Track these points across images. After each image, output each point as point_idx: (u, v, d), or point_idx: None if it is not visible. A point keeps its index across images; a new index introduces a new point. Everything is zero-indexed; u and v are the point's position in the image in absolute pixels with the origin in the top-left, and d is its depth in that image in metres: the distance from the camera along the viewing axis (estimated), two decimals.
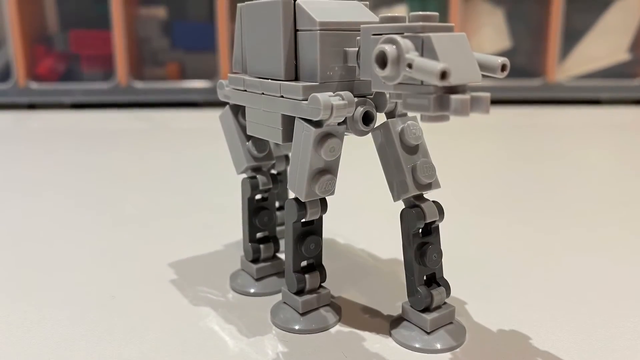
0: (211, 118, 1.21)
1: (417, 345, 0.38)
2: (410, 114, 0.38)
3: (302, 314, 0.40)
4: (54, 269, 0.50)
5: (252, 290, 0.45)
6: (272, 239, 0.47)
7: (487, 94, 0.29)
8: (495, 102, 1.30)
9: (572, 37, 1.36)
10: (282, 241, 0.47)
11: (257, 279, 0.45)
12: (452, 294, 0.41)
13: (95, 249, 0.55)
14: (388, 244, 0.53)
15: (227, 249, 0.54)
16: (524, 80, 1.36)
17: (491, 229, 0.59)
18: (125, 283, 0.47)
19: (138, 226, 0.61)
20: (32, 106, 1.39)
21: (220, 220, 0.62)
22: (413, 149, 0.38)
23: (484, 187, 0.75)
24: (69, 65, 1.42)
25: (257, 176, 0.45)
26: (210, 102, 1.37)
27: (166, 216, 0.64)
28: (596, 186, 0.75)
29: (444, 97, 0.30)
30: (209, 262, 0.51)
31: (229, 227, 0.59)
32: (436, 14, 0.32)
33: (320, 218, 0.40)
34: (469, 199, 0.70)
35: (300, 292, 0.40)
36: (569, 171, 0.82)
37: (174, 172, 0.83)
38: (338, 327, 0.40)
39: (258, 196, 0.46)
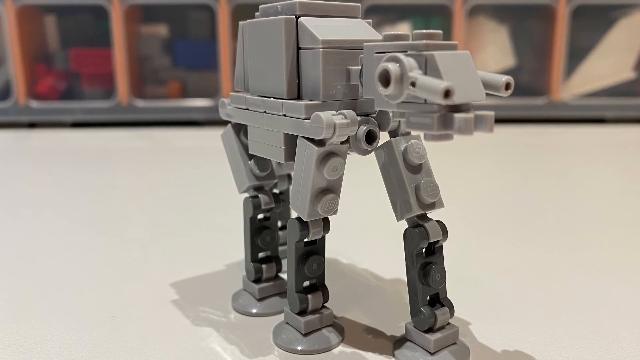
0: (213, 137, 1.22)
1: None
2: (413, 132, 0.38)
3: (305, 335, 0.39)
4: (54, 289, 0.50)
5: (254, 311, 0.44)
6: (274, 259, 0.46)
7: (491, 113, 0.29)
8: (499, 120, 1.30)
9: (576, 55, 1.36)
10: (285, 261, 0.47)
11: (259, 299, 0.45)
12: (455, 314, 0.41)
13: (96, 269, 0.54)
14: (391, 263, 0.53)
15: (229, 269, 0.54)
16: (528, 99, 1.36)
17: (495, 249, 0.59)
18: (126, 303, 0.47)
19: (139, 246, 0.60)
20: (32, 125, 1.39)
21: (221, 240, 0.61)
22: (416, 168, 0.37)
23: (488, 207, 0.75)
24: (69, 84, 1.42)
25: (259, 195, 0.44)
26: (212, 120, 1.37)
27: (167, 236, 0.63)
28: (601, 206, 0.75)
29: (447, 116, 0.30)
30: (210, 282, 0.51)
31: (231, 246, 0.59)
32: (440, 32, 0.32)
33: (323, 238, 0.40)
34: (472, 218, 0.70)
35: (302, 313, 0.40)
36: (574, 191, 0.82)
37: (176, 192, 0.82)
38: (341, 348, 0.40)
39: (260, 215, 0.46)
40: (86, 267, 0.55)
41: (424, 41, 0.31)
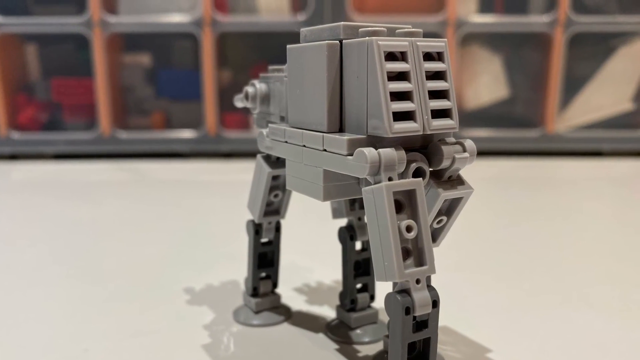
0: (197, 169, 1.20)
1: None
2: None
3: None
4: (25, 322, 0.49)
5: None
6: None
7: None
8: (491, 153, 1.29)
9: (573, 85, 1.33)
10: None
11: None
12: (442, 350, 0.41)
13: (71, 302, 0.54)
14: None
15: (201, 307, 0.52)
16: (521, 131, 1.33)
17: (485, 287, 0.57)
18: (99, 337, 0.47)
19: (116, 280, 0.59)
20: (13, 157, 1.34)
21: (199, 278, 0.59)
22: None
23: (478, 242, 0.72)
24: (51, 115, 1.38)
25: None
26: (197, 152, 1.33)
27: (145, 271, 0.61)
28: (597, 242, 0.73)
29: None
30: (187, 318, 0.50)
31: (206, 286, 0.57)
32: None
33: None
34: (460, 252, 0.67)
35: None
36: (568, 226, 0.80)
37: (157, 226, 0.79)
38: None
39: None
40: (60, 300, 0.54)
41: None
